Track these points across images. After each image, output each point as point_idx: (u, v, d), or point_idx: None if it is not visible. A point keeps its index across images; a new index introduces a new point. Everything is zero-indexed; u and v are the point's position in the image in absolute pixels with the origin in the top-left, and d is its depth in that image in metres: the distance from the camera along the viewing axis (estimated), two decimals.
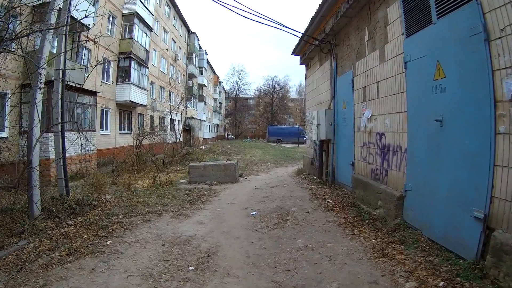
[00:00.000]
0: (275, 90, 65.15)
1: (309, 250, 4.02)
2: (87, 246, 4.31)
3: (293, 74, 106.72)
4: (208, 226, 5.30)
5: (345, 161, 7.19)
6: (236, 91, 68.30)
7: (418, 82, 4.13)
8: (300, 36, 9.09)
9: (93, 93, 12.68)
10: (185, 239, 4.64)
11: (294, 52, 11.43)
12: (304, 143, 40.28)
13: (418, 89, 4.16)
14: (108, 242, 4.49)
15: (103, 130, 16.13)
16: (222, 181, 9.71)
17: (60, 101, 6.27)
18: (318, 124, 8.32)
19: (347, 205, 6.01)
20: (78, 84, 14.65)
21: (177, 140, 17.53)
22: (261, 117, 65.46)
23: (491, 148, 2.91)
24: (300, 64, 11.61)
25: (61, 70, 6.35)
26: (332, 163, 8.06)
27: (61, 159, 6.28)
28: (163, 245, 4.37)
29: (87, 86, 14.22)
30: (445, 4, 3.54)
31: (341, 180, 7.61)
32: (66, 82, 6.59)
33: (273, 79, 65.94)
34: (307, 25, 8.63)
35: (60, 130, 6.30)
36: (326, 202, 6.47)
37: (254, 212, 6.07)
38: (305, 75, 11.75)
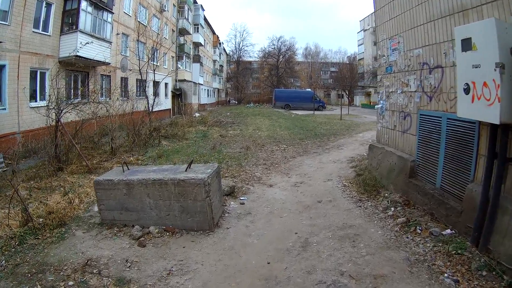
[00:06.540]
0: (281, 51, 58.83)
1: None
2: None
3: (298, 37, 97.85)
4: None
5: None
6: (238, 53, 62.45)
7: None
8: None
9: None
10: None
11: None
12: (317, 109, 33.12)
13: None
14: None
15: (36, 101, 11.23)
16: (176, 225, 4.35)
17: None
18: None
19: None
20: None
21: (151, 109, 13.03)
22: (265, 81, 59.75)
23: None
24: None
25: None
26: None
27: None
28: None
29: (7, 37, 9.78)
30: None
31: None
32: None
33: (279, 39, 59.05)
34: None
35: None
36: None
37: None
38: None
